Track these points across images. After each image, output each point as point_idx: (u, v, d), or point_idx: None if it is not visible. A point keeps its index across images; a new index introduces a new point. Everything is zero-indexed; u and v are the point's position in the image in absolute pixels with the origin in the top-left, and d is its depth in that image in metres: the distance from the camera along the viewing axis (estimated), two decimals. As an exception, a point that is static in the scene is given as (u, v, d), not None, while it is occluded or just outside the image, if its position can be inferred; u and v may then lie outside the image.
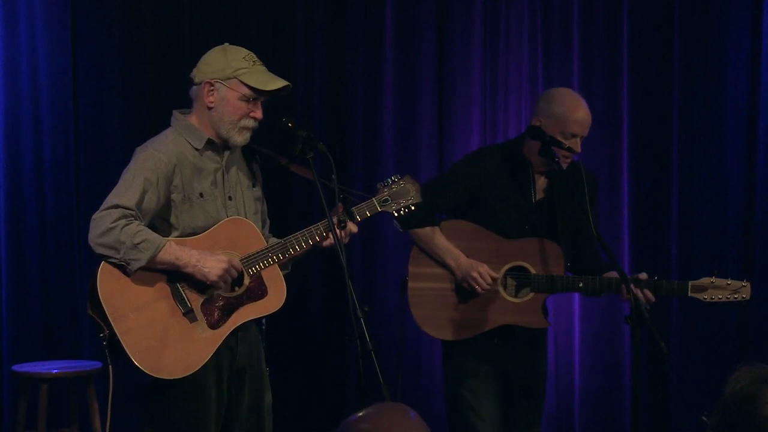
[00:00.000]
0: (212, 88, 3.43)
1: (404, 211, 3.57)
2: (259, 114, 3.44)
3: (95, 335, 3.38)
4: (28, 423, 4.79)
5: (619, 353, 5.72)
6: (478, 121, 5.62)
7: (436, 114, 5.60)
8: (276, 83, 3.44)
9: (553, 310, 5.58)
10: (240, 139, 3.44)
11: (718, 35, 5.78)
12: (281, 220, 3.79)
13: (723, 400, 1.99)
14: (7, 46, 5.05)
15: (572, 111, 3.92)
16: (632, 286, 3.79)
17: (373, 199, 3.54)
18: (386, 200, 3.55)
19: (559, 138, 3.87)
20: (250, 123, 3.44)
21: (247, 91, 3.41)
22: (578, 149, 3.92)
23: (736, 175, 5.78)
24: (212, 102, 3.43)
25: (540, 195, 4.01)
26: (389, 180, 3.58)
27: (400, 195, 3.56)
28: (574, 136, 3.90)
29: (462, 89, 5.61)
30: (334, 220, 3.35)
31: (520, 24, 5.67)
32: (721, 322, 5.77)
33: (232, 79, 3.41)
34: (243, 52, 3.47)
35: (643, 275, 3.90)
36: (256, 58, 3.47)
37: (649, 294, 3.85)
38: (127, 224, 3.27)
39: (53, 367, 4.78)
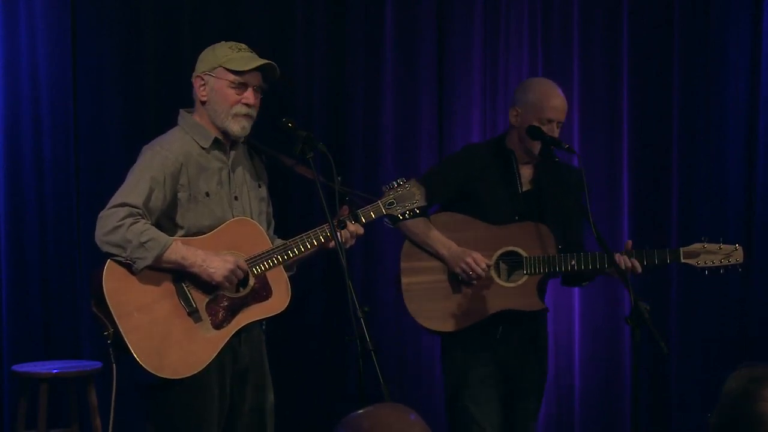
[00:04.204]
0: (203, 81, 3.46)
1: (409, 214, 3.57)
2: (250, 99, 3.44)
3: (97, 334, 3.39)
4: (28, 423, 4.79)
5: (619, 353, 5.72)
6: (478, 121, 5.62)
7: (436, 114, 5.60)
8: (255, 62, 3.44)
9: (553, 309, 5.57)
10: (236, 127, 3.44)
11: (718, 35, 5.78)
12: (282, 220, 3.79)
13: (720, 399, 2.01)
14: (7, 46, 5.05)
15: (547, 97, 3.98)
16: (621, 256, 3.85)
17: (379, 202, 3.54)
18: (391, 203, 3.55)
19: (537, 125, 3.92)
20: (243, 110, 3.44)
21: (233, 78, 3.43)
22: (555, 134, 3.96)
23: (736, 175, 5.78)
24: (204, 95, 3.46)
25: (527, 186, 4.05)
26: (394, 183, 3.57)
27: (405, 198, 3.56)
28: (550, 121, 3.95)
29: (462, 89, 5.61)
30: (335, 221, 3.35)
31: (520, 24, 5.67)
32: (721, 323, 5.77)
33: (218, 68, 3.44)
34: (231, 43, 3.49)
35: (628, 243, 3.94)
36: (244, 47, 3.49)
37: (636, 264, 3.88)
38: (133, 223, 3.28)
39: (53, 367, 4.78)
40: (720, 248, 4.00)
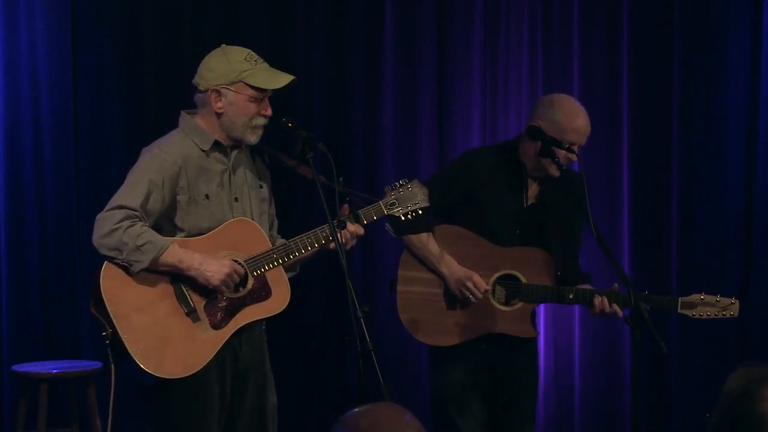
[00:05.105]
0: (219, 95, 3.42)
1: (412, 215, 3.55)
2: (268, 111, 3.46)
3: (96, 335, 3.39)
4: (28, 423, 4.79)
5: (619, 353, 5.72)
6: (478, 121, 5.62)
7: (436, 114, 5.60)
8: (282, 80, 3.45)
9: (553, 310, 5.59)
10: (254, 138, 3.46)
11: (718, 35, 5.78)
12: (285, 219, 3.79)
13: (720, 399, 2.01)
14: (7, 46, 5.06)
15: (572, 119, 3.89)
16: (604, 298, 3.84)
17: (380, 202, 3.53)
18: (393, 203, 3.53)
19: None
20: (261, 121, 3.45)
21: (254, 93, 3.42)
22: (574, 158, 3.90)
23: (736, 175, 5.78)
24: (221, 108, 3.43)
25: (532, 200, 3.99)
26: (397, 183, 3.56)
27: (408, 199, 3.54)
28: (571, 144, 3.86)
29: (462, 89, 5.61)
30: (335, 221, 3.35)
31: (520, 24, 5.67)
32: (721, 323, 5.75)
33: (238, 83, 3.41)
34: (243, 52, 3.47)
35: (615, 287, 3.91)
36: (257, 56, 3.47)
37: (617, 308, 3.86)
38: (130, 225, 3.28)
39: (53, 367, 4.78)
40: (717, 301, 3.97)
